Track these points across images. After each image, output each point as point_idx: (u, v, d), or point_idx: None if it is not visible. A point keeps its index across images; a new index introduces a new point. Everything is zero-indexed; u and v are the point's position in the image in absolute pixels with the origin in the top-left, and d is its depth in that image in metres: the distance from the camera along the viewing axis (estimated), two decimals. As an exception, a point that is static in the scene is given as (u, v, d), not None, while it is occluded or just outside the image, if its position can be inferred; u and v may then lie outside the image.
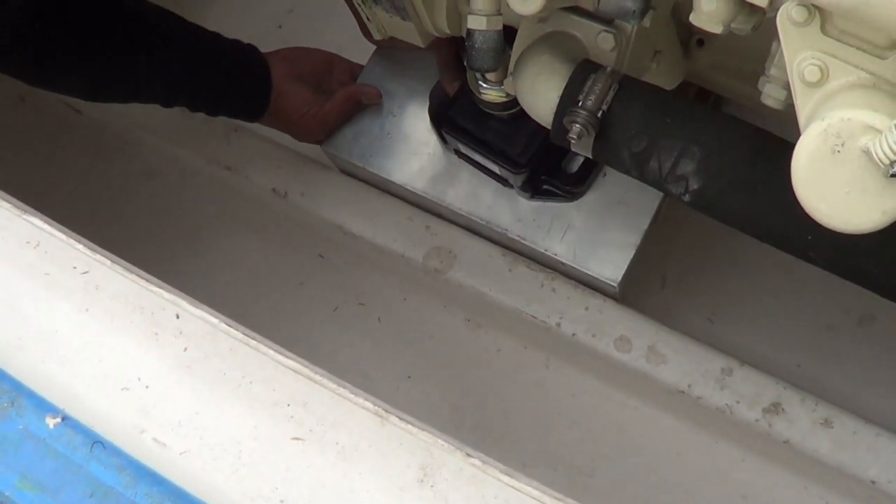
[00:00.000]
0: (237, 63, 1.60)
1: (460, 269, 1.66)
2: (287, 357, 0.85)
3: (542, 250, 1.59)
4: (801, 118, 0.90)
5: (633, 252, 1.56)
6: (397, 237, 1.70)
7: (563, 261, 1.58)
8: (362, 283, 1.85)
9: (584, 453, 1.69)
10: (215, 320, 0.87)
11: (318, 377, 0.83)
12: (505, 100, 1.45)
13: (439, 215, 1.69)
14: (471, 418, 1.74)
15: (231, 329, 0.87)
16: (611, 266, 1.56)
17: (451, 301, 1.76)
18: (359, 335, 1.82)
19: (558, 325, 1.60)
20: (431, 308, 1.80)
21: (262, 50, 1.65)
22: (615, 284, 1.55)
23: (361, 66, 1.75)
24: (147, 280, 0.90)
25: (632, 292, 1.62)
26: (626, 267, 1.55)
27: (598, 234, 1.57)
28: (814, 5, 0.86)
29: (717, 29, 0.97)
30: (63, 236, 0.93)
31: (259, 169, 1.82)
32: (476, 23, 1.16)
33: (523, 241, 1.59)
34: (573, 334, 1.60)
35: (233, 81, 1.59)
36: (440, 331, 1.80)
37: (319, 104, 1.66)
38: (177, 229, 1.96)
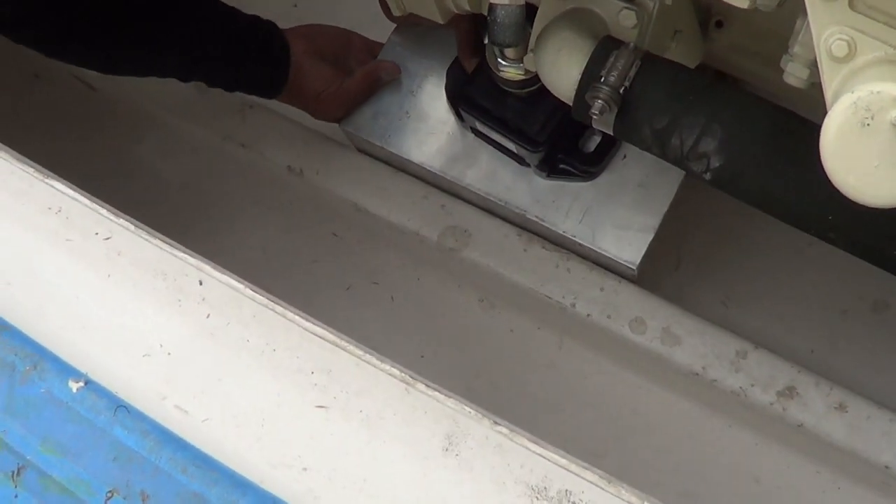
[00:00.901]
0: (255, 38, 1.59)
1: (475, 249, 1.66)
2: (313, 323, 0.85)
3: (561, 232, 1.58)
4: (828, 93, 0.89)
5: (653, 235, 1.55)
6: (412, 216, 1.70)
7: (582, 242, 1.57)
8: (376, 262, 1.84)
9: (597, 435, 1.69)
10: (240, 286, 0.87)
11: (344, 344, 0.83)
12: (523, 77, 1.45)
13: (457, 195, 1.69)
14: (483, 398, 1.73)
15: (256, 295, 0.86)
16: (629, 248, 1.56)
17: (464, 280, 1.76)
18: (372, 314, 1.82)
19: (573, 305, 1.60)
20: (445, 287, 1.80)
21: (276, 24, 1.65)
22: (634, 267, 1.55)
23: (380, 44, 1.74)
24: (171, 245, 0.90)
25: (647, 274, 1.61)
26: (644, 249, 1.55)
27: (617, 216, 1.57)
28: (842, -21, 0.85)
29: (744, 4, 0.97)
30: (86, 201, 0.93)
31: (274, 146, 1.81)
32: (499, -3, 1.16)
33: (542, 223, 1.59)
34: (588, 315, 1.60)
35: (251, 57, 1.59)
36: (453, 310, 1.79)
37: (338, 82, 1.66)
38: (190, 206, 1.95)
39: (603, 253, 1.57)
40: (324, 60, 1.65)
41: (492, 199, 1.62)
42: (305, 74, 1.63)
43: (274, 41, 1.61)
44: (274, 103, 1.71)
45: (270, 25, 1.63)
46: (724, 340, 1.56)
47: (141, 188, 1.96)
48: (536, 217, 1.59)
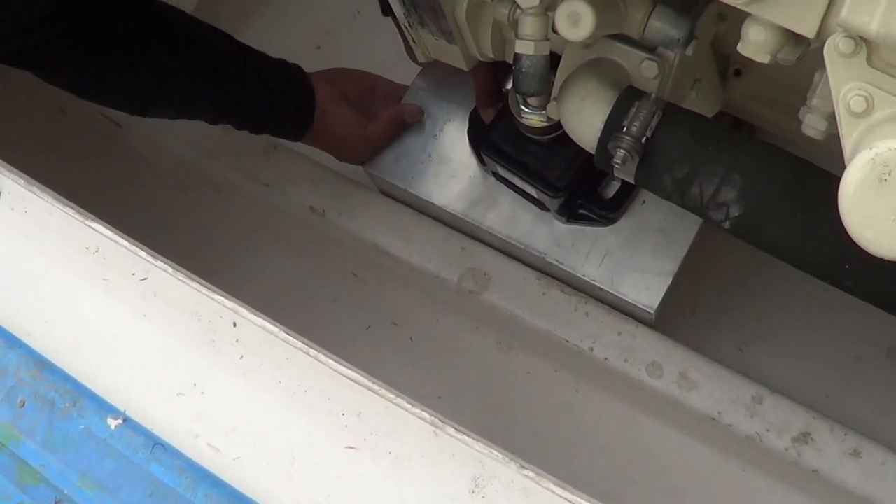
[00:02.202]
0: (283, 83, 1.62)
1: (494, 291, 1.68)
2: (344, 366, 0.87)
3: (580, 276, 1.60)
4: (847, 148, 0.91)
5: (671, 280, 1.57)
6: (432, 258, 1.72)
7: (601, 286, 1.59)
8: (396, 303, 1.86)
9: (612, 478, 1.70)
10: (274, 328, 0.89)
11: (375, 387, 0.84)
12: (545, 124, 1.47)
13: (478, 238, 1.71)
14: (500, 440, 1.74)
15: (290, 338, 0.88)
16: (648, 293, 1.57)
17: (483, 322, 1.78)
18: (391, 354, 1.83)
19: (591, 349, 1.61)
20: (463, 329, 1.81)
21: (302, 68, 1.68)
22: (652, 311, 1.57)
23: (404, 87, 1.76)
24: (207, 288, 0.92)
25: (664, 319, 1.62)
26: (662, 294, 1.56)
27: (636, 260, 1.59)
28: (860, 37, 0.87)
29: (765, 59, 0.98)
30: (125, 242, 0.95)
31: (297, 186, 1.83)
32: (524, 48, 1.18)
33: (561, 266, 1.61)
34: (605, 359, 1.61)
35: (278, 101, 1.62)
36: (472, 352, 1.81)
37: (363, 125, 1.68)
38: (213, 243, 1.97)
39: (621, 297, 1.58)
40: (349, 104, 1.68)
41: (512, 242, 1.64)
42: (330, 118, 1.65)
43: (300, 85, 1.64)
44: (298, 144, 1.73)
45: (296, 69, 1.65)
46: (740, 385, 1.57)
47: (163, 225, 1.97)
48: (556, 261, 1.61)
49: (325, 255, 1.90)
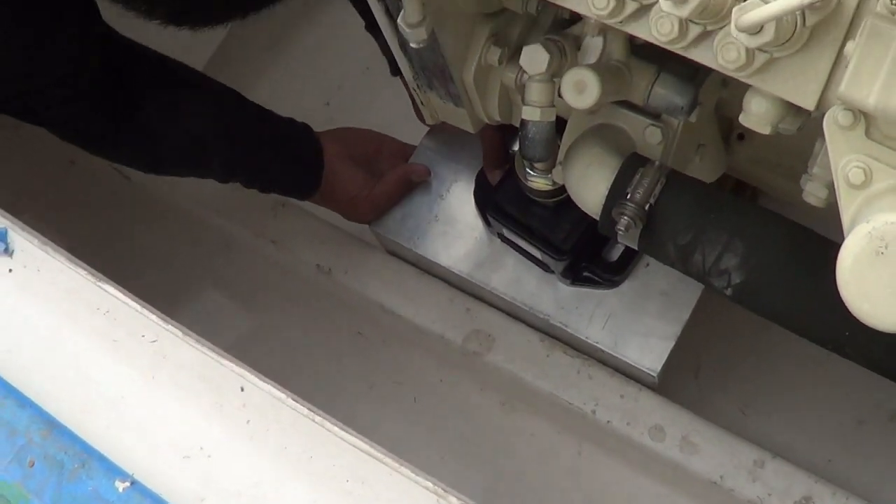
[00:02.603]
0: (292, 143, 1.64)
1: (498, 353, 1.68)
2: (350, 433, 0.87)
3: (584, 338, 1.61)
4: (845, 219, 0.92)
5: (674, 343, 1.58)
6: (437, 318, 1.73)
7: (604, 349, 1.60)
8: (400, 362, 1.86)
9: (614, 540, 1.71)
10: (281, 395, 0.90)
11: (380, 455, 0.85)
12: (551, 188, 1.48)
13: (483, 299, 1.72)
14: (503, 502, 1.75)
15: (296, 404, 0.89)
16: (651, 356, 1.58)
17: (487, 384, 1.78)
18: (394, 413, 1.84)
19: (594, 412, 1.62)
20: (467, 390, 1.81)
21: (311, 127, 1.69)
22: (655, 374, 1.58)
23: (412, 147, 1.78)
24: (215, 352, 0.93)
25: (666, 382, 1.63)
26: (665, 357, 1.57)
27: (639, 323, 1.60)
28: (859, 110, 0.89)
29: (766, 130, 1.00)
30: (136, 305, 0.96)
31: (304, 244, 1.85)
32: (530, 114, 1.20)
33: (565, 328, 1.62)
34: (608, 421, 1.62)
35: (286, 161, 1.63)
36: (475, 413, 1.81)
37: (370, 186, 1.70)
38: (217, 299, 1.98)
39: (624, 360, 1.59)
40: (356, 164, 1.69)
41: (517, 303, 1.65)
42: (338, 178, 1.67)
43: (309, 145, 1.65)
44: (305, 202, 1.75)
45: (305, 129, 1.67)
46: (742, 449, 1.57)
47: (170, 279, 1.99)
48: (560, 323, 1.62)
49: (331, 313, 1.91)
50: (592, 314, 1.62)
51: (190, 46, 1.54)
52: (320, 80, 2.17)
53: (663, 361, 1.58)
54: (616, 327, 1.61)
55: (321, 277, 1.83)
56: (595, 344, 1.61)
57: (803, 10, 0.87)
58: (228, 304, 1.97)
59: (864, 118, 0.89)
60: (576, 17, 1.26)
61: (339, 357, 1.89)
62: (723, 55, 0.93)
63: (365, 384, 1.87)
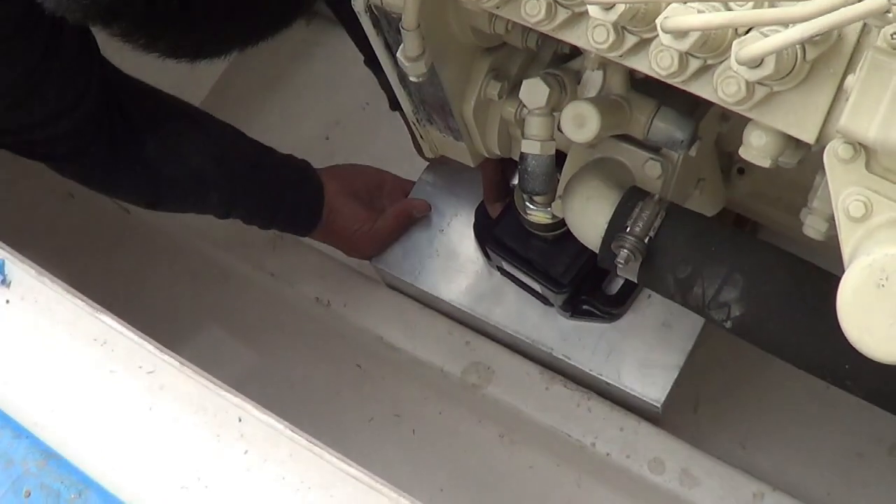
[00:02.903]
0: (293, 180, 1.64)
1: (498, 385, 1.68)
2: (348, 464, 0.87)
3: (587, 370, 1.62)
4: (845, 252, 0.92)
5: (677, 373, 1.58)
6: (436, 351, 1.73)
7: (608, 381, 1.61)
8: (399, 395, 1.86)
9: (613, 574, 1.70)
10: (278, 425, 0.90)
11: (378, 485, 0.85)
12: (551, 221, 1.48)
13: (485, 333, 1.72)
14: (501, 534, 1.75)
15: (294, 434, 0.89)
16: (654, 387, 1.59)
17: (486, 416, 1.78)
18: (393, 446, 1.83)
19: (593, 444, 1.62)
20: (466, 422, 1.81)
21: (309, 160, 1.69)
22: (659, 405, 1.58)
23: (412, 182, 1.79)
24: (213, 383, 0.93)
25: (665, 415, 1.63)
26: (669, 388, 1.58)
27: (642, 355, 1.60)
28: (859, 143, 0.89)
29: (766, 163, 1.00)
30: (133, 336, 0.96)
31: (303, 277, 1.85)
32: (530, 147, 1.20)
33: (568, 361, 1.63)
34: (607, 454, 1.61)
35: (287, 198, 1.63)
36: (474, 445, 1.81)
37: (371, 222, 1.70)
38: (217, 332, 1.98)
39: (628, 391, 1.59)
40: (356, 200, 1.69)
41: (520, 337, 1.65)
42: (339, 214, 1.67)
43: (309, 182, 1.66)
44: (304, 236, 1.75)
45: (305, 165, 1.67)
46: (742, 482, 1.57)
47: (169, 311, 1.98)
48: (563, 356, 1.63)
49: (330, 346, 1.91)
50: (595, 346, 1.62)
51: (189, 81, 1.55)
52: (320, 114, 2.17)
53: (667, 392, 1.58)
54: (619, 359, 1.61)
55: (320, 310, 1.83)
56: (598, 376, 1.61)
57: (803, 44, 0.87)
58: (227, 337, 1.97)
59: (864, 151, 0.89)
60: (576, 52, 1.27)
61: (338, 390, 1.89)
62: (723, 89, 0.93)
63: (364, 417, 1.86)
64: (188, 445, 0.92)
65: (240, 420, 0.91)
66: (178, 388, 0.94)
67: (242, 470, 0.90)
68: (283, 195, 1.64)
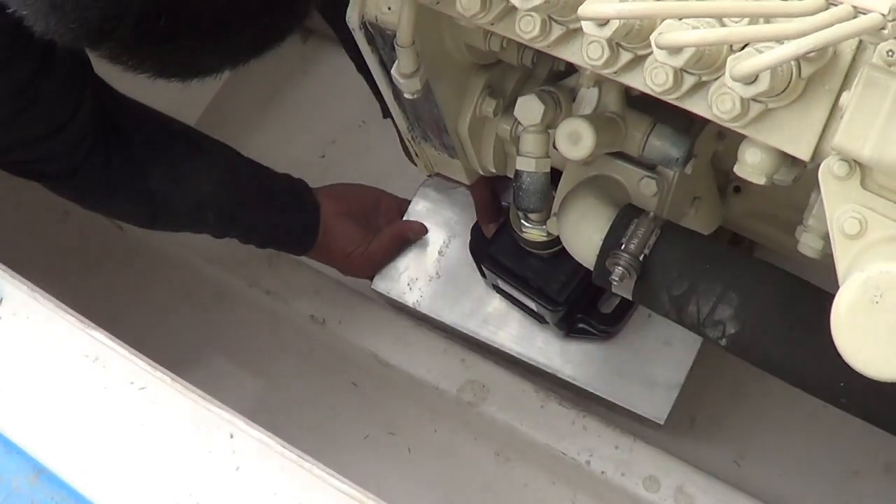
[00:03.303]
0: (288, 200, 1.64)
1: (493, 403, 1.68)
2: (339, 480, 0.87)
3: (592, 390, 1.63)
4: (840, 270, 0.92)
5: (678, 391, 1.60)
6: (432, 368, 1.73)
7: (612, 400, 1.62)
8: (394, 413, 1.86)
9: (608, 593, 1.70)
10: (270, 440, 0.90)
11: (369, 501, 0.85)
12: (546, 239, 1.48)
13: (490, 354, 1.72)
14: (496, 552, 1.75)
15: (285, 450, 0.89)
16: (656, 405, 1.60)
17: (481, 434, 1.78)
18: (388, 464, 1.83)
19: (588, 462, 1.62)
20: (462, 440, 1.81)
21: (305, 178, 1.69)
22: (661, 422, 1.59)
23: (407, 202, 1.79)
24: (204, 399, 0.93)
25: (661, 433, 1.63)
26: (671, 405, 1.59)
27: (644, 373, 1.61)
28: (855, 161, 0.88)
29: (761, 181, 1.00)
30: (125, 352, 0.96)
31: (298, 295, 1.85)
32: (525, 164, 1.20)
33: (574, 382, 1.63)
34: (602, 472, 1.61)
35: (284, 219, 1.64)
36: (469, 463, 1.80)
37: (367, 242, 1.70)
38: (212, 349, 1.98)
39: (632, 410, 1.60)
40: (352, 220, 1.70)
41: (524, 359, 1.66)
42: (335, 235, 1.67)
43: (305, 202, 1.66)
44: (300, 253, 1.75)
45: (301, 185, 1.67)
46: (737, 500, 1.57)
47: (162, 329, 1.98)
48: (569, 377, 1.63)
49: (325, 363, 1.90)
50: (600, 368, 1.63)
51: (185, 99, 1.55)
52: (316, 132, 2.17)
53: (669, 409, 1.59)
54: (622, 378, 1.62)
55: (315, 328, 1.82)
56: (604, 397, 1.62)
57: (798, 61, 0.87)
58: (222, 355, 1.97)
59: (859, 169, 0.89)
60: (571, 69, 1.27)
61: (333, 407, 1.89)
62: (717, 105, 0.93)
63: (359, 434, 1.86)
64: (180, 461, 0.92)
65: (231, 436, 0.91)
66: (170, 403, 0.94)
67: (234, 486, 0.89)
68: (279, 216, 1.64)
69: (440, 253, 1.74)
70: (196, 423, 0.92)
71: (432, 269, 1.74)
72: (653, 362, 1.62)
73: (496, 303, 1.69)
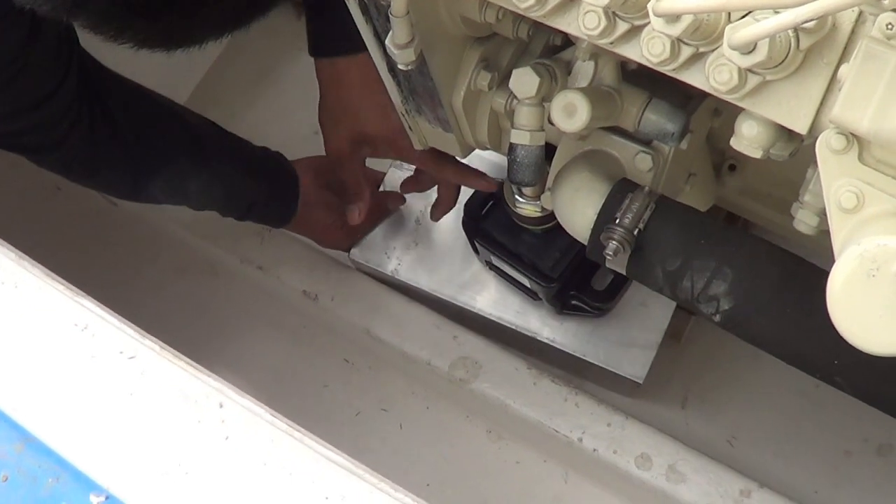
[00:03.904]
0: (267, 172, 1.64)
1: (485, 380, 1.68)
2: (329, 449, 0.86)
3: (570, 352, 1.64)
4: (836, 243, 0.91)
5: (656, 350, 1.62)
6: (424, 345, 1.72)
7: (592, 361, 1.63)
8: (386, 389, 1.86)
9: (599, 570, 1.70)
10: (260, 410, 0.89)
11: (358, 471, 0.84)
12: (540, 214, 1.48)
13: (468, 320, 1.73)
14: (487, 529, 1.75)
15: (275, 419, 0.88)
16: (635, 364, 1.62)
17: (473, 411, 1.77)
18: (380, 441, 1.83)
19: (580, 440, 1.62)
20: (454, 417, 1.81)
21: (297, 155, 1.69)
22: (640, 381, 1.61)
23: (383, 173, 1.81)
24: (194, 367, 0.92)
25: (654, 411, 1.63)
26: (649, 365, 1.62)
27: (622, 334, 1.64)
28: (852, 134, 0.88)
29: (757, 154, 0.99)
30: (114, 320, 0.95)
31: (291, 271, 1.84)
32: (519, 137, 1.19)
33: (552, 344, 1.64)
34: (594, 450, 1.61)
35: (262, 190, 1.64)
36: (461, 440, 1.80)
37: (345, 214, 1.70)
38: (204, 325, 1.97)
39: (611, 370, 1.62)
40: (331, 191, 1.70)
41: (503, 323, 1.67)
42: (313, 206, 1.68)
43: (284, 173, 1.66)
44: (293, 228, 1.74)
45: (280, 157, 1.67)
46: (728, 479, 1.57)
47: (156, 305, 1.97)
48: (547, 339, 1.65)
49: (317, 339, 1.90)
50: (577, 329, 1.65)
51: (177, 74, 1.54)
52: (309, 108, 2.15)
53: (647, 369, 1.62)
54: (600, 340, 1.64)
55: (308, 304, 1.82)
56: (583, 357, 1.64)
57: (797, 33, 0.86)
58: (214, 330, 1.96)
59: (857, 142, 0.88)
60: (567, 43, 1.26)
61: (326, 383, 1.89)
62: (715, 77, 0.92)
63: (351, 411, 1.86)
64: (169, 431, 0.91)
65: (221, 406, 0.90)
66: (160, 373, 0.93)
67: (224, 456, 0.89)
68: (258, 187, 1.64)
69: (417, 222, 1.75)
70: (185, 393, 0.92)
71: (410, 237, 1.76)
72: (630, 323, 1.64)
73: (474, 269, 1.71)
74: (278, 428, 0.88)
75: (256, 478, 0.87)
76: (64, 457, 0.89)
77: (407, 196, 1.76)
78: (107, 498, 0.86)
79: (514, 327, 1.67)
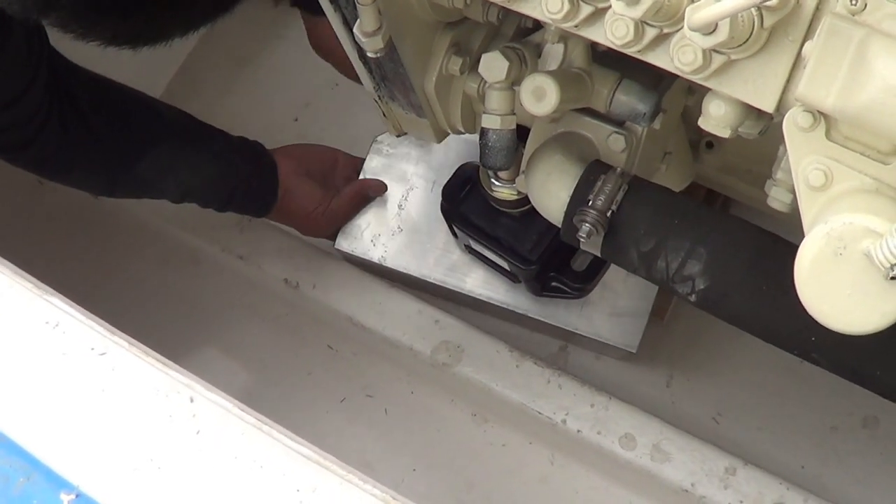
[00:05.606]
0: (245, 162, 1.64)
1: (468, 364, 1.68)
2: (298, 443, 0.86)
3: (563, 326, 1.65)
4: (806, 221, 0.91)
5: (646, 319, 1.63)
6: (406, 330, 1.73)
7: (584, 333, 1.64)
8: (370, 375, 1.86)
9: (586, 550, 1.70)
10: (229, 404, 0.89)
11: (327, 463, 0.84)
12: (516, 197, 1.48)
13: (458, 303, 1.74)
14: (475, 513, 1.75)
15: (244, 414, 0.88)
16: (628, 334, 1.63)
17: (457, 395, 1.78)
18: (365, 426, 1.83)
19: (564, 421, 1.62)
20: (438, 401, 1.81)
21: (278, 143, 1.69)
22: (634, 350, 1.63)
23: (362, 160, 1.80)
24: (163, 363, 0.92)
25: (639, 390, 1.63)
26: (641, 333, 1.63)
27: (612, 305, 1.64)
28: (819, 112, 0.88)
29: (725, 133, 0.99)
30: (83, 317, 0.95)
31: (272, 259, 1.84)
32: (490, 122, 1.19)
33: (544, 320, 1.65)
34: (578, 431, 1.62)
35: (242, 181, 1.63)
36: (446, 424, 1.80)
37: (327, 201, 1.71)
38: (188, 316, 1.97)
39: (605, 341, 1.63)
40: (311, 179, 1.70)
41: (493, 302, 1.67)
42: (294, 194, 1.67)
43: (262, 162, 1.66)
44: (272, 217, 1.74)
45: (258, 146, 1.67)
46: (713, 457, 1.57)
47: (139, 296, 1.97)
48: (538, 315, 1.66)
49: (301, 327, 1.90)
50: (567, 303, 1.65)
51: (154, 64, 1.53)
52: (288, 96, 2.16)
53: (640, 337, 1.63)
54: (591, 312, 1.65)
55: (289, 292, 1.82)
56: (575, 331, 1.65)
57: (761, 12, 0.86)
58: (197, 320, 1.96)
59: (824, 120, 0.88)
60: (538, 26, 1.25)
61: (310, 371, 1.89)
62: (679, 57, 0.92)
63: (336, 397, 1.86)
64: (140, 426, 0.91)
65: (191, 400, 0.90)
66: (130, 369, 0.93)
67: (195, 450, 0.89)
68: (237, 178, 1.63)
69: (400, 207, 1.75)
70: (156, 388, 0.91)
71: (394, 223, 1.75)
72: (620, 293, 1.65)
73: (459, 252, 1.71)
74: (247, 423, 0.88)
75: (228, 471, 0.87)
76: (35, 455, 0.89)
77: (386, 181, 1.75)
78: (77, 496, 0.86)
79: (504, 305, 1.67)
